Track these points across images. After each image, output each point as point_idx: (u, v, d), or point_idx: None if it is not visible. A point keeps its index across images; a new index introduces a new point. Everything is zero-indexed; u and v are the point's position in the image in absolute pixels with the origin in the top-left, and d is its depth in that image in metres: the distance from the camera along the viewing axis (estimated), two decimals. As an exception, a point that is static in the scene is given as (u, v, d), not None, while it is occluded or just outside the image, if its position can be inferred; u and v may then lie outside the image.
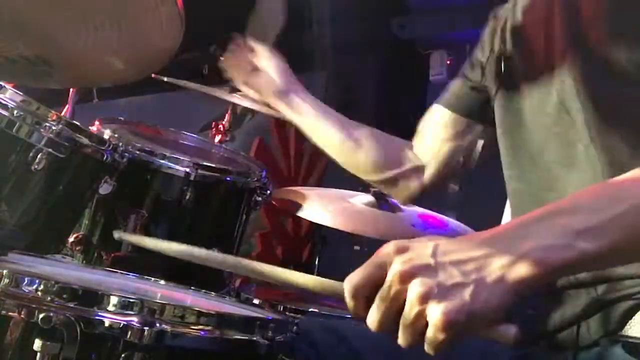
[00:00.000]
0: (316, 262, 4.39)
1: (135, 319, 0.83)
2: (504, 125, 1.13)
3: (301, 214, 1.79)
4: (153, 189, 1.78)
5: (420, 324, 0.70)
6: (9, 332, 0.83)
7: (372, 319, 0.73)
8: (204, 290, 1.27)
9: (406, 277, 0.70)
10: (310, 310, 1.61)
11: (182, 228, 1.84)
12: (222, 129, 2.64)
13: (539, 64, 1.04)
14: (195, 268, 1.80)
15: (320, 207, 1.72)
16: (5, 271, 0.87)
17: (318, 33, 4.41)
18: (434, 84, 4.81)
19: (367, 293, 0.73)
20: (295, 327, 1.02)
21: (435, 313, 0.68)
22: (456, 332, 0.68)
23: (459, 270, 0.70)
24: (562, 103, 0.98)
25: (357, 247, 4.20)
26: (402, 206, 1.76)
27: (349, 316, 1.54)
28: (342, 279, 0.78)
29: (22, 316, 0.82)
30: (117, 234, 1.06)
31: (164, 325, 0.85)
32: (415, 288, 0.69)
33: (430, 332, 0.69)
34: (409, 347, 0.71)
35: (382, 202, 1.73)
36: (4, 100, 1.37)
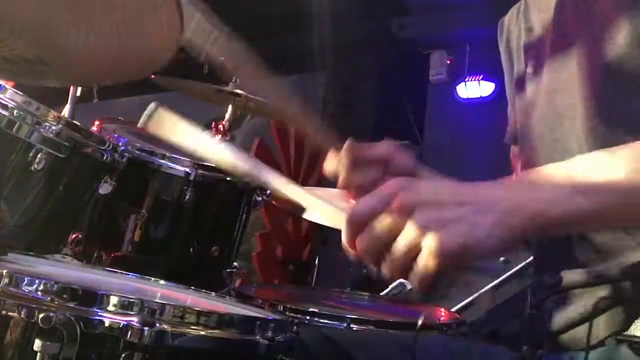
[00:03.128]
0: (316, 262, 4.39)
1: (135, 319, 0.83)
2: (521, 140, 1.15)
3: (301, 214, 1.79)
4: (153, 189, 1.78)
5: (411, 252, 0.72)
6: (9, 332, 0.83)
7: (362, 244, 0.75)
8: (204, 290, 1.27)
9: (408, 209, 0.72)
10: (310, 310, 1.60)
11: (182, 228, 1.84)
12: (222, 129, 2.64)
13: (552, 76, 1.04)
14: (195, 268, 1.80)
15: (320, 207, 1.71)
16: (5, 271, 0.87)
17: (318, 33, 4.41)
18: (434, 84, 4.81)
19: (366, 223, 0.75)
20: (295, 327, 1.02)
21: (431, 241, 0.70)
22: (446, 263, 0.71)
23: (460, 209, 0.72)
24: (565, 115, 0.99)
25: (357, 247, 4.19)
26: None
27: (348, 317, 1.54)
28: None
29: (22, 316, 0.82)
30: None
31: (164, 325, 0.85)
32: (416, 218, 0.71)
33: (421, 260, 0.71)
34: (393, 276, 0.74)
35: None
36: (4, 100, 1.37)
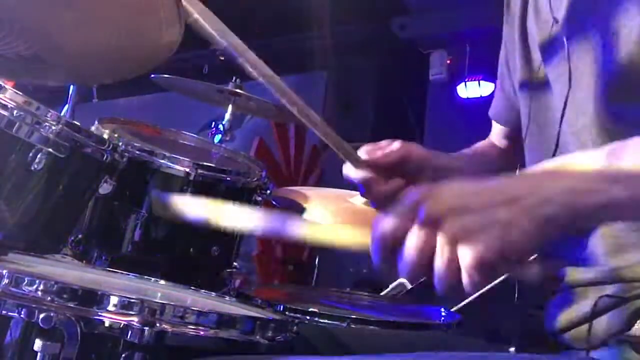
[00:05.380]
0: (316, 262, 4.39)
1: (135, 319, 0.83)
2: (530, 126, 1.14)
3: (301, 214, 1.79)
4: (153, 189, 1.78)
5: (453, 266, 0.69)
6: (9, 332, 0.83)
7: (404, 267, 0.71)
8: (204, 290, 1.27)
9: (435, 221, 0.69)
10: (310, 310, 1.60)
11: (182, 228, 1.84)
12: (222, 129, 2.64)
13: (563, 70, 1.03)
14: (195, 268, 1.79)
15: (320, 207, 1.72)
16: (5, 271, 0.87)
17: (318, 33, 4.41)
18: (434, 84, 4.81)
19: (395, 241, 0.72)
20: (295, 327, 1.02)
21: (466, 255, 0.68)
22: (488, 272, 0.68)
23: (487, 211, 0.69)
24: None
25: (357, 247, 4.18)
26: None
27: (348, 317, 1.54)
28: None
29: (22, 316, 0.82)
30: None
31: (164, 325, 0.85)
32: (445, 231, 0.69)
33: (464, 274, 0.68)
34: (447, 291, 0.70)
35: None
36: (4, 100, 1.37)
